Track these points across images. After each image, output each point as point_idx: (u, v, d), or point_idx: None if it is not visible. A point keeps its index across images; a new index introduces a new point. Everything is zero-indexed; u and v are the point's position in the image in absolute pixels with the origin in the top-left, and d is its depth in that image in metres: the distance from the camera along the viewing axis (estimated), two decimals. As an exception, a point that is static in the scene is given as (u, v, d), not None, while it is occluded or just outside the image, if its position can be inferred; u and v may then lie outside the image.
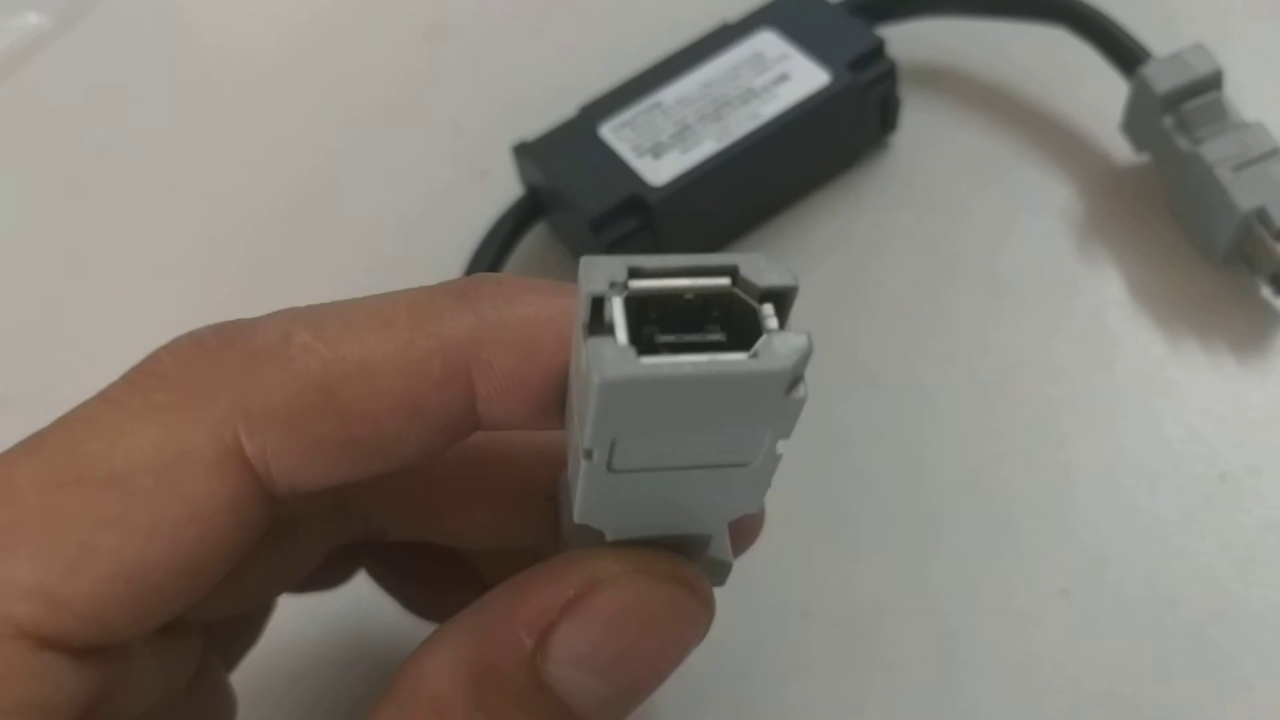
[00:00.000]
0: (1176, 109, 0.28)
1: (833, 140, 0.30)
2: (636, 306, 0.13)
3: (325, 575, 0.22)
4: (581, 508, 0.15)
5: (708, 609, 0.16)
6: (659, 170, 0.28)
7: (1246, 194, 0.26)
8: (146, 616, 0.14)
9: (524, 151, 0.30)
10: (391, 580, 0.23)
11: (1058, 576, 0.25)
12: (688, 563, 0.16)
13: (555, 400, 0.15)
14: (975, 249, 0.30)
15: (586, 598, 0.15)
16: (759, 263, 0.13)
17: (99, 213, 0.35)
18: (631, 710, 0.16)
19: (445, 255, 0.31)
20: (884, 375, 0.28)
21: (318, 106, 0.37)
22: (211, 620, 0.19)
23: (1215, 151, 0.27)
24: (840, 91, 0.29)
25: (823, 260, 0.30)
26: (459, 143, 0.35)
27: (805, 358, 0.13)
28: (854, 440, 0.27)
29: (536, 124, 0.30)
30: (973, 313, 0.29)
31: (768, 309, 0.13)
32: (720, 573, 0.17)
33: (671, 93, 0.30)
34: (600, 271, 0.13)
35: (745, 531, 0.18)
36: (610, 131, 0.29)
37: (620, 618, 0.15)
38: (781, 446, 0.14)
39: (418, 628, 0.23)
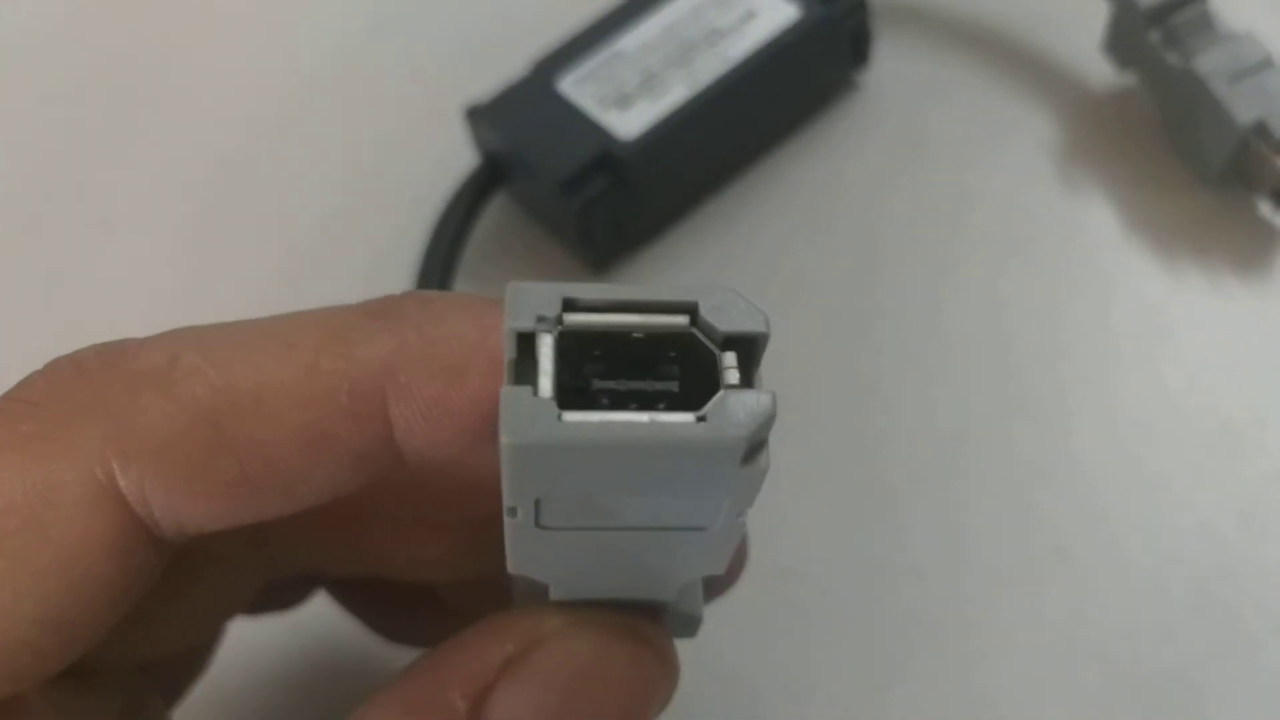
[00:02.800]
0: (1163, 23, 0.26)
1: (805, 79, 0.29)
2: (575, 344, 0.11)
3: (276, 599, 0.20)
4: (513, 560, 0.13)
5: (670, 668, 0.15)
6: (628, 122, 0.26)
7: (1244, 107, 0.25)
8: (20, 674, 0.13)
9: (478, 116, 0.28)
10: (353, 604, 0.21)
11: (1053, 532, 0.24)
12: (645, 615, 0.14)
13: (490, 429, 0.13)
14: (958, 189, 0.28)
15: (527, 656, 0.14)
16: (724, 301, 0.11)
17: (36, 165, 0.32)
18: None
19: (404, 215, 0.29)
20: (868, 326, 0.27)
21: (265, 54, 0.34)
22: (138, 662, 0.17)
23: (1207, 65, 0.26)
24: (812, 26, 0.27)
25: (798, 208, 0.29)
26: (416, 87, 0.32)
27: (767, 423, 0.11)
28: (835, 396, 0.26)
29: (488, 80, 0.28)
30: (959, 257, 0.28)
31: (729, 358, 0.11)
32: (688, 627, 0.15)
33: (632, 40, 0.28)
34: (528, 303, 0.11)
35: (722, 577, 0.16)
36: (570, 86, 0.27)
37: (565, 677, 0.14)
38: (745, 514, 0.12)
39: (386, 647, 0.21)
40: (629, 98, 0.27)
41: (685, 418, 0.11)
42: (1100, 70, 0.29)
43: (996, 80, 0.30)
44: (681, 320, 0.11)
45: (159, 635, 0.17)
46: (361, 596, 0.20)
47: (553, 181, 0.26)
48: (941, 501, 0.24)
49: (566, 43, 0.28)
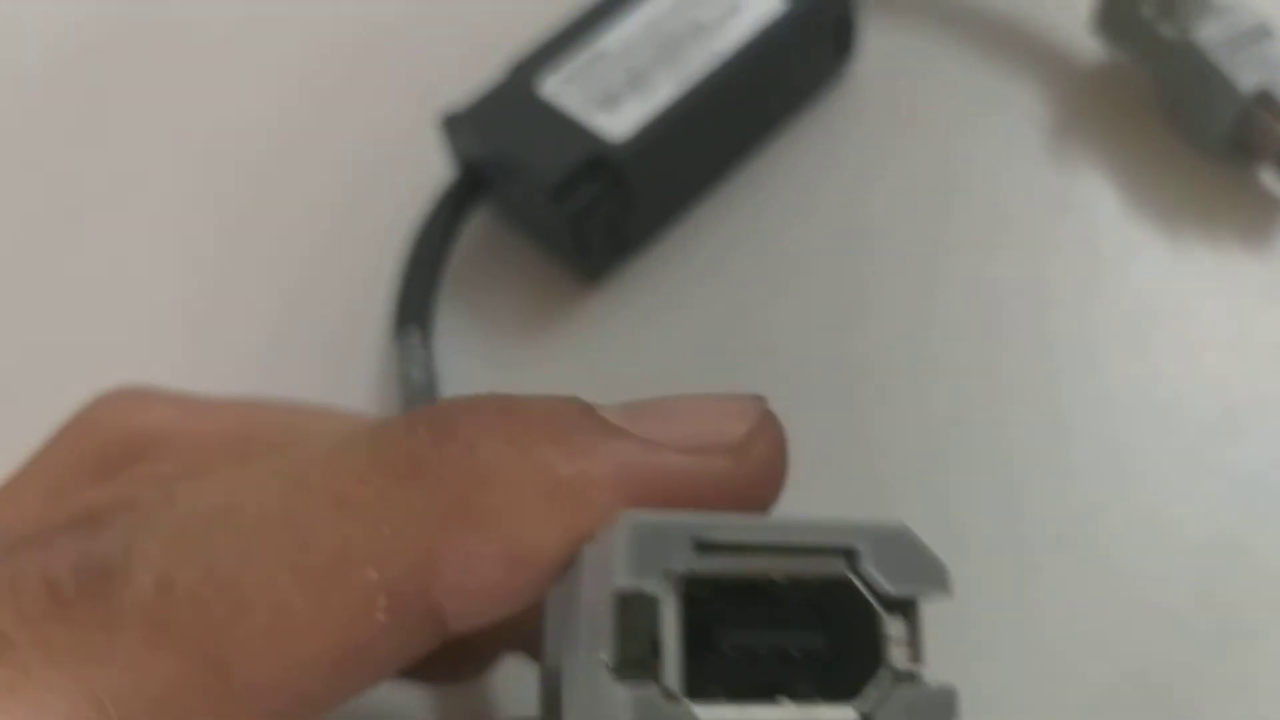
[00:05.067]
0: (1157, -5, 0.26)
1: (793, 71, 0.28)
2: (704, 593, 0.09)
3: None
4: None
5: None
6: (617, 123, 0.25)
7: (1246, 76, 0.25)
8: None
9: (456, 124, 0.26)
10: None
11: (1051, 522, 0.23)
12: None
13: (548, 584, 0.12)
14: (948, 173, 0.28)
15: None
16: (894, 546, 0.09)
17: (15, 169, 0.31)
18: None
19: (378, 233, 0.27)
20: (863, 314, 0.26)
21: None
22: None
23: (1205, 36, 0.25)
24: (799, 16, 0.26)
25: (796, 202, 0.27)
26: (383, 97, 0.31)
27: None
28: (829, 385, 0.25)
29: (461, 87, 0.26)
30: (953, 241, 0.27)
31: (895, 626, 0.09)
32: None
33: (613, 38, 0.27)
34: (653, 549, 0.09)
35: None
36: (553, 88, 0.26)
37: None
38: None
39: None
40: (616, 98, 0.25)
41: (848, 716, 0.09)
42: (1088, 47, 0.28)
43: (983, 61, 0.29)
44: (837, 566, 0.09)
45: None
46: None
47: (542, 189, 0.25)
48: (935, 490, 0.24)
49: (544, 43, 0.27)
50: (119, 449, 0.15)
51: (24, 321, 0.28)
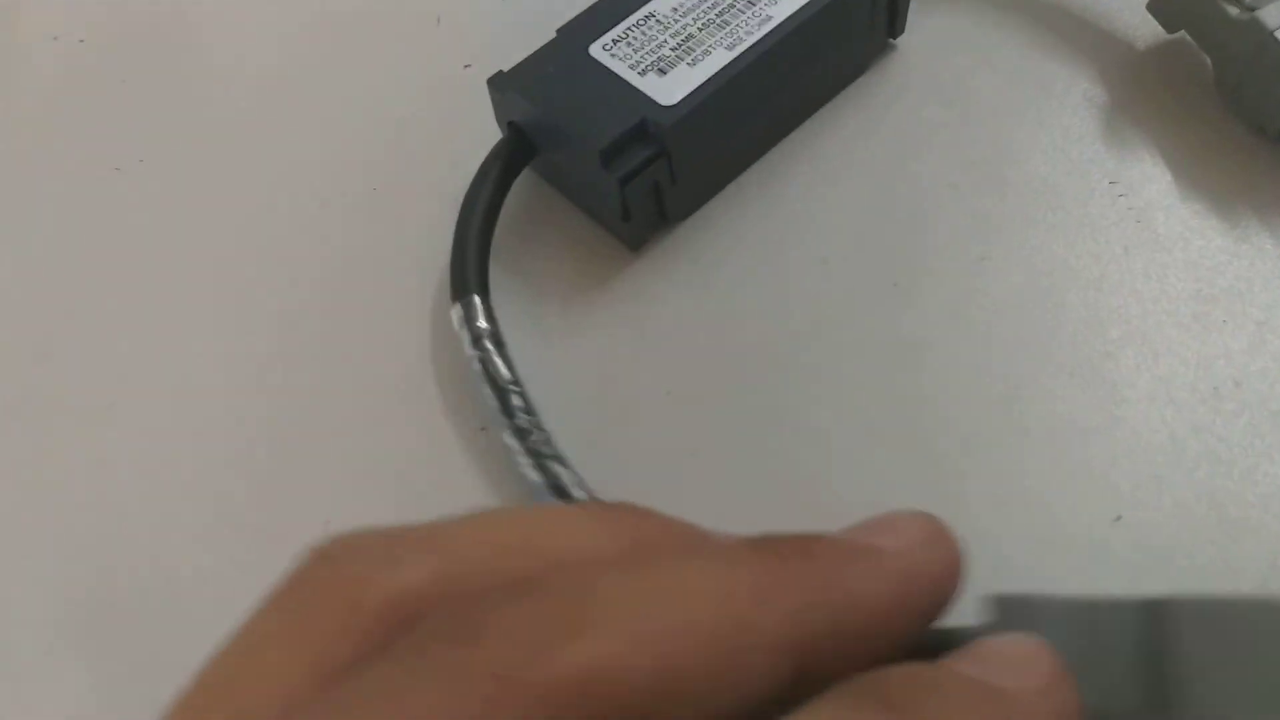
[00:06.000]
0: (1222, -27, 0.25)
1: (844, 41, 0.27)
2: None
3: None
4: None
5: None
6: (667, 89, 0.25)
7: (1312, 57, 0.24)
8: None
9: (504, 83, 0.26)
10: None
11: (1110, 502, 0.23)
12: None
13: None
14: (1002, 150, 0.27)
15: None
16: None
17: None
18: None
19: (425, 195, 0.27)
20: (913, 287, 0.26)
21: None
22: None
23: (1274, 16, 0.25)
24: (854, -13, 0.26)
25: (842, 175, 0.27)
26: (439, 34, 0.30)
27: None
28: (881, 360, 0.25)
29: (508, 50, 0.26)
30: (1005, 218, 0.26)
31: None
32: None
33: (664, 3, 0.26)
34: None
35: None
36: (603, 51, 0.26)
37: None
38: None
39: None
40: (666, 61, 0.25)
41: None
42: (1144, 25, 0.28)
43: (1037, 36, 0.29)
44: None
45: None
46: None
47: (591, 152, 0.24)
48: (992, 468, 0.23)
49: (594, 6, 0.27)
50: (387, 615, 0.13)
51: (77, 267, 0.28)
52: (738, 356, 0.25)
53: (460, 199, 0.26)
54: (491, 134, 0.27)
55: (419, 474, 0.24)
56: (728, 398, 0.25)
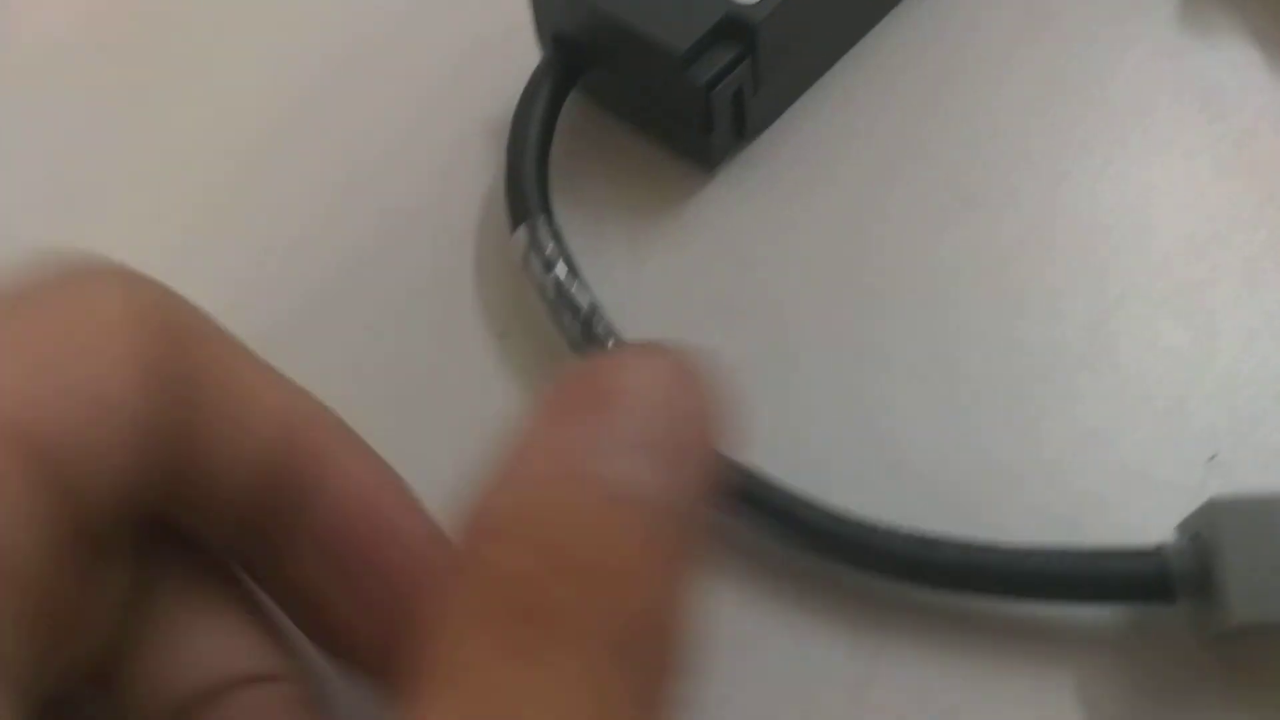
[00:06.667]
0: None
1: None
2: None
3: None
4: None
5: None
6: (747, -19, 0.22)
7: None
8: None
9: (549, -12, 0.22)
10: None
11: (1205, 440, 0.20)
12: None
13: None
14: (1087, 64, 0.25)
15: (617, 384, 0.13)
16: None
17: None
18: (697, 483, 0.13)
19: (465, 121, 0.24)
20: (985, 201, 0.23)
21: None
22: None
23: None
24: None
25: (916, 84, 0.25)
26: None
27: None
28: (958, 277, 0.22)
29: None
30: (1092, 134, 0.24)
31: None
32: None
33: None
34: None
35: None
36: (664, -57, 0.22)
37: (658, 386, 0.13)
38: None
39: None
40: (743, -47, 0.22)
41: None
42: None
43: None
44: None
45: None
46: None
47: (670, 56, 0.21)
48: (1077, 401, 0.21)
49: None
50: None
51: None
52: (818, 281, 0.22)
53: (500, 128, 0.23)
54: (525, 54, 0.23)
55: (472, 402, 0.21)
56: (809, 327, 0.22)
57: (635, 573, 0.12)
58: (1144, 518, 0.19)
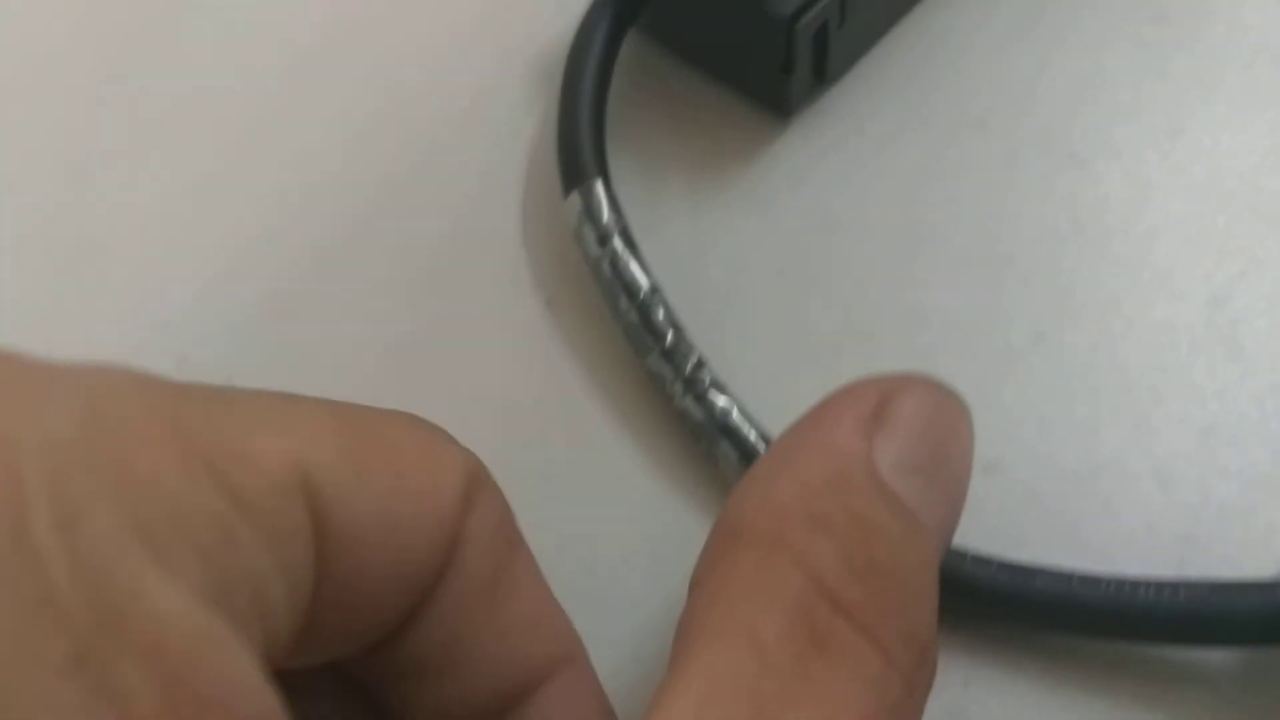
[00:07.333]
0: None
1: None
2: None
3: None
4: None
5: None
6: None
7: None
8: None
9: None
10: None
11: None
12: None
13: None
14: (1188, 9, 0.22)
15: (892, 401, 0.14)
16: None
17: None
18: (956, 517, 0.14)
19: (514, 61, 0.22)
20: (1090, 158, 0.21)
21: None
22: None
23: None
24: None
25: (1009, 23, 0.22)
26: None
27: None
28: (1055, 240, 0.20)
29: None
30: (1204, 87, 0.21)
31: None
32: None
33: None
34: None
35: None
36: None
37: (928, 412, 0.14)
38: None
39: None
40: None
41: None
42: None
43: None
44: None
45: None
46: None
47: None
48: (1191, 388, 0.18)
49: None
50: None
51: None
52: (903, 248, 0.20)
53: (551, 67, 0.21)
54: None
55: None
56: (891, 300, 0.20)
57: (923, 588, 0.13)
58: (1260, 522, 0.17)
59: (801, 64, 0.20)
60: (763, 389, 0.19)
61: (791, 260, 0.20)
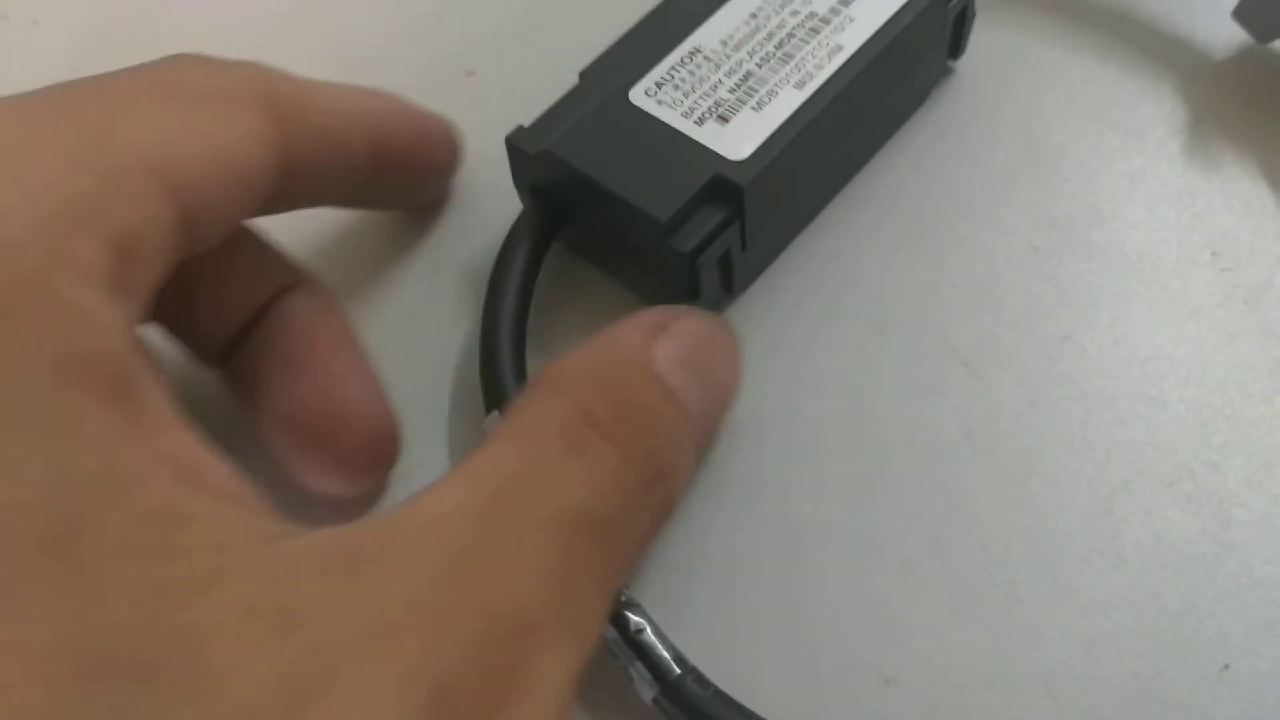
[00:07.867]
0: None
1: (912, 70, 0.24)
2: None
3: None
4: None
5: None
6: (735, 140, 0.21)
7: None
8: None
9: (527, 140, 0.21)
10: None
11: (1217, 648, 0.19)
12: None
13: None
14: (1085, 206, 0.23)
15: (673, 323, 0.18)
16: None
17: None
18: (715, 421, 0.20)
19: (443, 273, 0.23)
20: (982, 365, 0.22)
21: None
22: None
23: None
24: (928, 7, 0.22)
25: (907, 231, 0.23)
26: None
27: None
28: (946, 452, 0.21)
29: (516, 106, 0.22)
30: (1091, 291, 0.23)
31: None
32: None
33: (707, 34, 0.22)
34: None
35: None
36: (645, 96, 0.21)
37: (700, 335, 0.18)
38: None
39: None
40: (728, 108, 0.21)
41: None
42: (1226, 33, 0.25)
43: (1105, 53, 0.25)
44: None
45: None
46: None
47: (653, 222, 0.20)
48: (1078, 600, 0.19)
49: (618, 43, 0.22)
50: None
51: None
52: (811, 450, 0.21)
53: (475, 273, 0.22)
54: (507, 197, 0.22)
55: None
56: (801, 506, 0.21)
57: (673, 440, 0.17)
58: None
59: (708, 289, 0.21)
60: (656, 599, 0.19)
61: (705, 471, 0.21)
